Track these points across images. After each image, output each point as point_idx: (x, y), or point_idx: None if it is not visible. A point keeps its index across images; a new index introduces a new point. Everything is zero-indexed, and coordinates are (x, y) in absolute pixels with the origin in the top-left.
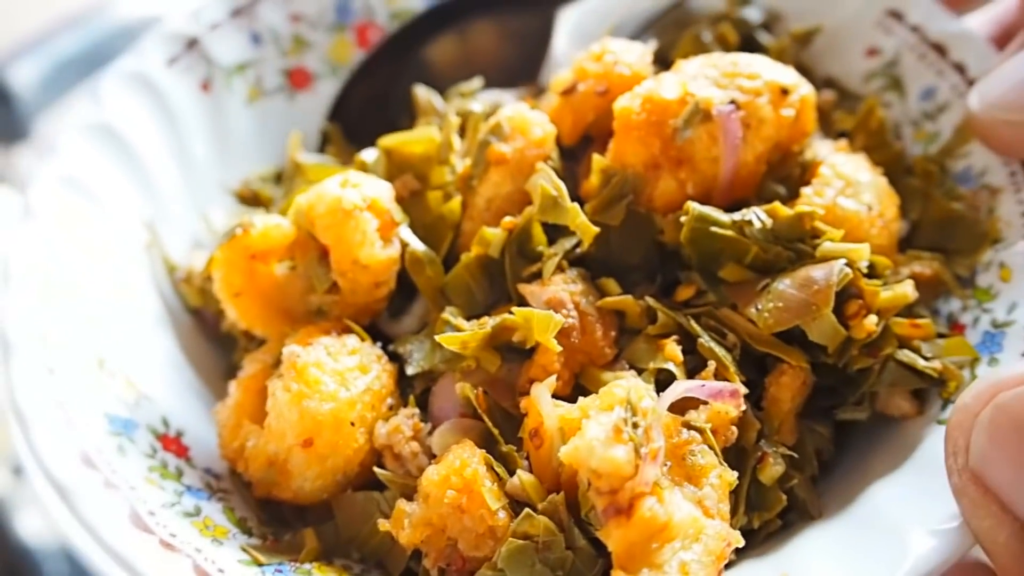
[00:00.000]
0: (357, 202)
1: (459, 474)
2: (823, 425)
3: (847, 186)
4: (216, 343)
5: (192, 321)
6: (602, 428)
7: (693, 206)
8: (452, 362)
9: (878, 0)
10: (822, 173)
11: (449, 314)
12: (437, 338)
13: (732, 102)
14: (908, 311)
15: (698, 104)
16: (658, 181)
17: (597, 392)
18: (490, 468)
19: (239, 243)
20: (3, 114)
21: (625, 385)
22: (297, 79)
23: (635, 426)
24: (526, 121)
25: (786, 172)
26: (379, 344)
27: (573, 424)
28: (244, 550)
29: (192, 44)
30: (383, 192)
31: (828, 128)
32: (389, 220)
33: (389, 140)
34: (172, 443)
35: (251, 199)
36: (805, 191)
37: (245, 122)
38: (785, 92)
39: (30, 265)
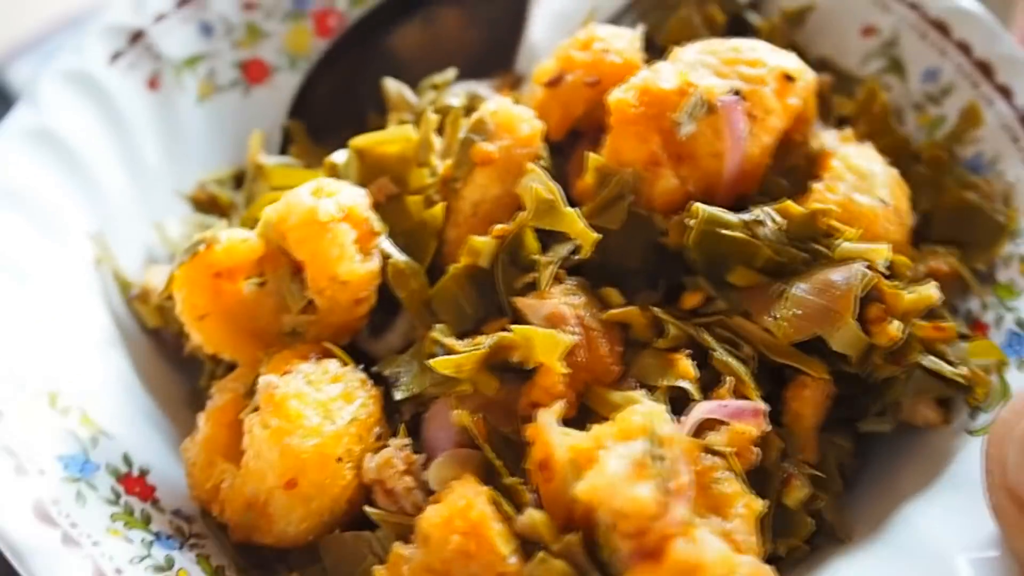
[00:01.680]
0: (333, 212)
1: (464, 516)
2: (844, 438)
3: (860, 180)
4: (176, 366)
5: (149, 342)
6: (623, 462)
7: (701, 208)
8: (445, 386)
9: None
10: (833, 167)
11: (439, 332)
12: (430, 363)
13: (736, 92)
14: (928, 312)
15: (700, 95)
16: (658, 180)
17: (604, 413)
18: (496, 506)
19: (202, 260)
20: (3, 114)
21: (643, 411)
22: (253, 72)
23: (659, 458)
24: (512, 117)
25: (790, 164)
26: (361, 366)
27: (586, 455)
28: None
29: (136, 37)
30: (359, 199)
31: (827, 113)
32: (368, 230)
33: (361, 140)
34: (136, 484)
35: (208, 204)
36: (816, 187)
37: (198, 121)
38: (790, 79)
39: None
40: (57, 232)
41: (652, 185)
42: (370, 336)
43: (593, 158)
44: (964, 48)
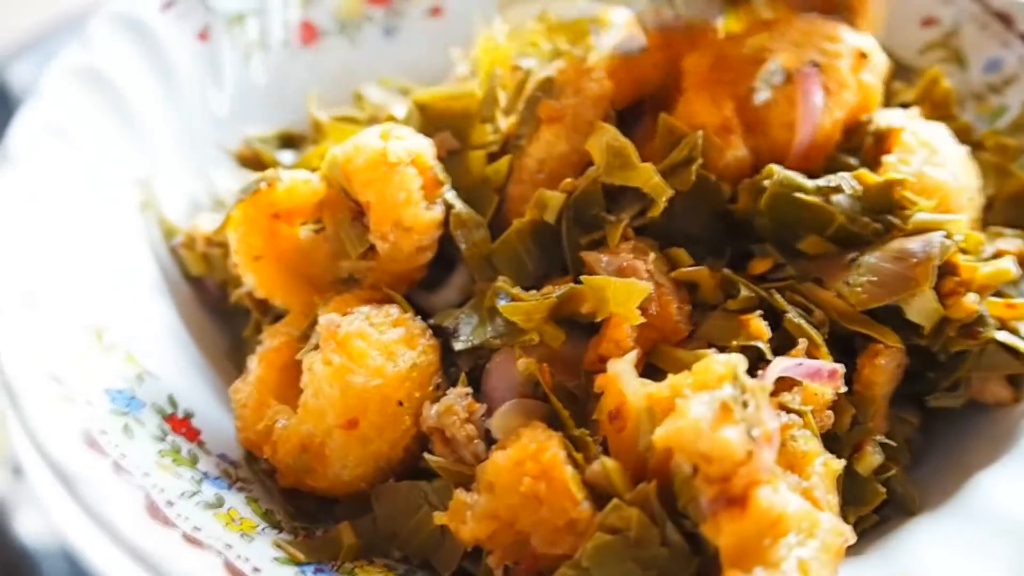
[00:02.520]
0: (402, 155)
1: (536, 459)
2: (912, 413)
3: (932, 154)
4: (218, 316)
5: (191, 291)
6: (708, 407)
7: (776, 169)
8: (509, 336)
9: None
10: (904, 140)
11: (504, 282)
12: (500, 307)
13: (814, 63)
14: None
15: (778, 63)
16: (728, 148)
17: (674, 371)
18: (568, 453)
19: (262, 199)
20: (3, 114)
21: (725, 360)
22: (303, 33)
23: (744, 404)
24: (582, 75)
25: (858, 142)
26: (419, 317)
27: (663, 404)
28: (279, 546)
29: None
30: (426, 148)
31: (887, 99)
32: (433, 179)
33: (424, 95)
34: (182, 425)
35: (253, 161)
36: (888, 159)
37: (244, 77)
38: (864, 57)
39: (12, 220)
40: (104, 172)
41: (722, 152)
42: (423, 290)
43: (664, 117)
44: None
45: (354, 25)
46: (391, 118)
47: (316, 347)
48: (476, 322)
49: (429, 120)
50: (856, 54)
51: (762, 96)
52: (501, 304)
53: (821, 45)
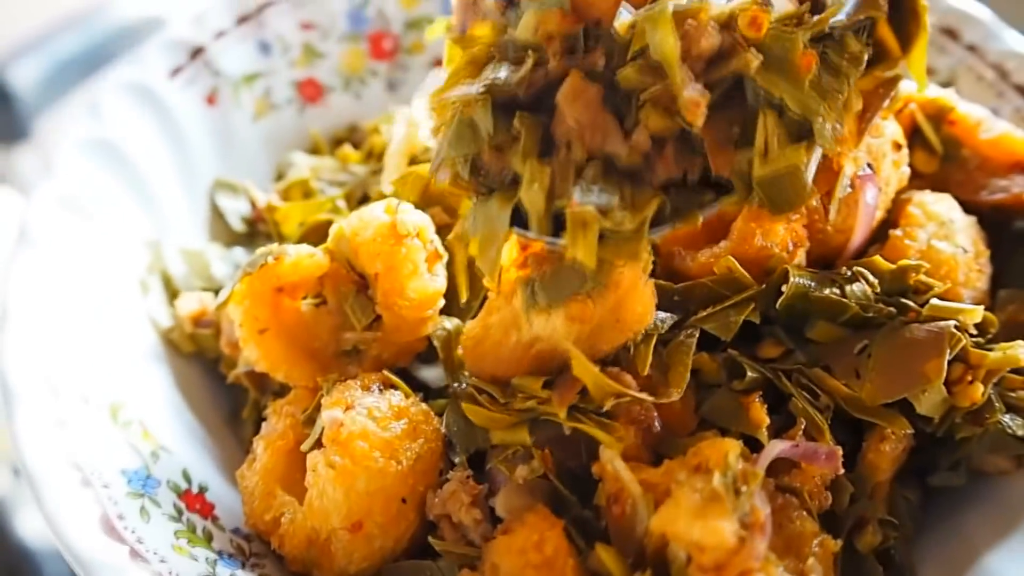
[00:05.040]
0: (410, 229)
1: (539, 549)
2: (912, 490)
3: (939, 227)
4: (214, 385)
5: (185, 361)
6: (700, 494)
7: (795, 281)
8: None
9: (931, 17)
10: (911, 213)
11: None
12: (464, 408)
13: (868, 164)
14: None
15: (850, 173)
16: (791, 260)
17: (674, 455)
18: (569, 539)
19: (268, 272)
20: (3, 114)
21: (718, 445)
22: (308, 91)
23: (737, 492)
24: None
25: None
26: (420, 395)
27: (659, 488)
28: None
29: (196, 53)
30: (428, 222)
31: None
32: (434, 252)
33: (416, 169)
34: (196, 501)
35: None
36: (895, 234)
37: (253, 138)
38: (899, 147)
39: (30, 300)
40: (116, 242)
41: (781, 262)
42: (420, 363)
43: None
44: (1023, 91)
45: (358, 80)
46: (381, 195)
47: (319, 443)
48: (464, 428)
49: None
50: (894, 146)
51: (834, 212)
52: (464, 405)
53: (869, 142)
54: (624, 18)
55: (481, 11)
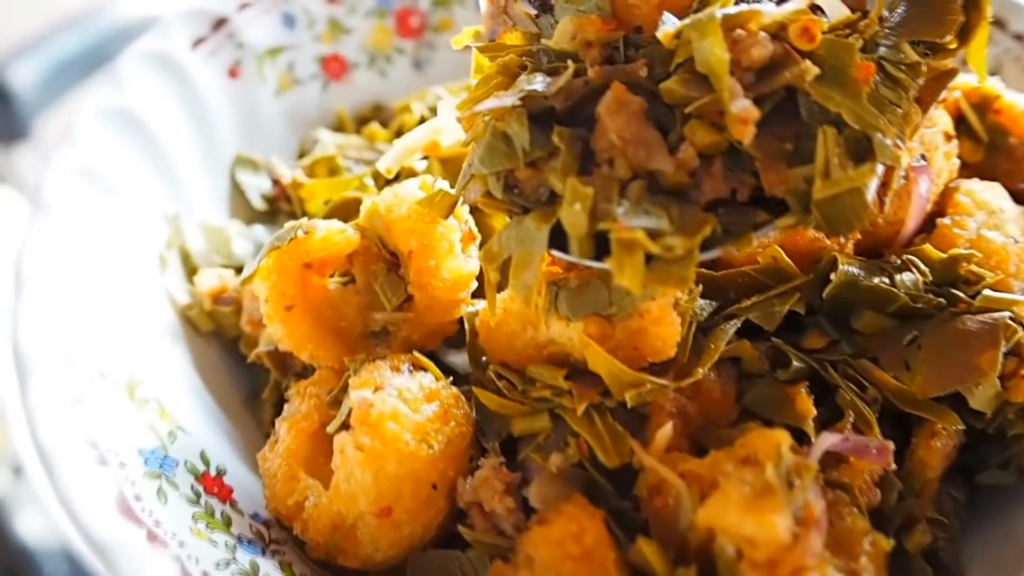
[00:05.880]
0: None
1: (578, 540)
2: (959, 489)
3: (989, 216)
4: (232, 364)
5: (204, 339)
6: (751, 487)
7: (844, 269)
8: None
9: None
10: (960, 202)
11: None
12: (474, 390)
13: (922, 156)
14: None
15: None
16: (842, 250)
17: (714, 448)
18: (609, 530)
19: (298, 247)
20: (3, 114)
21: (767, 435)
22: (332, 67)
23: (791, 485)
24: None
25: None
26: (450, 379)
27: (704, 481)
28: None
29: (220, 24)
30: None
31: None
32: (468, 232)
33: (446, 149)
34: (214, 484)
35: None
36: (943, 222)
37: (275, 113)
38: (950, 138)
39: (46, 270)
40: (134, 215)
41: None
42: (449, 348)
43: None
44: None
45: (384, 58)
46: (412, 171)
47: (346, 424)
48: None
49: (450, 174)
50: (946, 137)
51: (888, 205)
52: (475, 389)
53: (923, 133)
54: (668, 26)
55: (512, 18)
